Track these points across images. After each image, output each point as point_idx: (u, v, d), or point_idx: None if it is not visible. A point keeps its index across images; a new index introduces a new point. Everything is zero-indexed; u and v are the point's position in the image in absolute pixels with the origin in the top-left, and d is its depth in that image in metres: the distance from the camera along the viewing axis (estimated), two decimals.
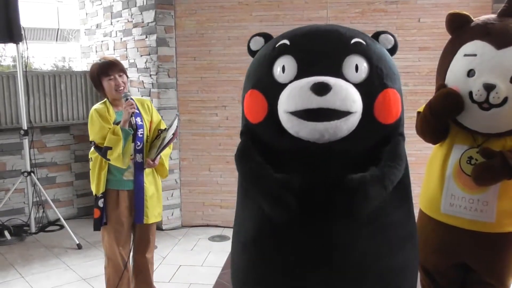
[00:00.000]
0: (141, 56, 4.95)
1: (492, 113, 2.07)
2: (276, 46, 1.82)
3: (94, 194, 2.88)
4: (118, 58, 5.26)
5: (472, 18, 2.25)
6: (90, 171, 2.88)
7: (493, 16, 2.25)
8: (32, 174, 4.73)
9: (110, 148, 2.69)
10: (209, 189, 5.00)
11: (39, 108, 4.98)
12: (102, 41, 5.65)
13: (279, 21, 4.68)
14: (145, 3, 4.81)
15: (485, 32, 2.13)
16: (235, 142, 5.33)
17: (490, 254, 2.24)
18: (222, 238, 4.70)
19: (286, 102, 1.70)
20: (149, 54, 4.82)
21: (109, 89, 2.84)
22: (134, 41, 5.05)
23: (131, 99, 2.84)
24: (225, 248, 4.38)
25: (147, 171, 2.93)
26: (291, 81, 1.74)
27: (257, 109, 1.82)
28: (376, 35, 1.92)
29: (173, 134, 2.81)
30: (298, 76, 1.73)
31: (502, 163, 2.08)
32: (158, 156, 2.89)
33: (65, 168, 5.35)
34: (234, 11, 4.75)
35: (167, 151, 2.97)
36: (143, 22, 4.88)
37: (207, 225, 5.03)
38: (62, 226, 4.79)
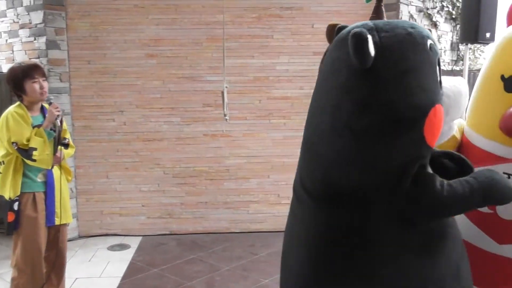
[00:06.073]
0: (30, 59, 4.66)
1: None
2: (430, 48, 1.61)
3: (8, 197, 2.77)
4: (4, 61, 4.98)
5: None
6: (1, 174, 2.80)
7: None
8: None
9: (35, 149, 2.71)
10: (107, 197, 4.85)
11: None
12: None
13: (176, 24, 4.66)
14: (32, 3, 4.56)
15: None
16: (133, 148, 5.20)
17: None
18: (122, 246, 4.57)
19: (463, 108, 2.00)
20: (39, 57, 4.58)
21: (32, 92, 2.81)
22: (21, 43, 4.77)
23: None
24: (124, 257, 4.28)
25: (59, 172, 2.95)
26: None
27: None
28: None
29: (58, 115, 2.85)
30: None
31: None
32: (60, 151, 2.90)
33: None
34: (130, 14, 4.65)
35: (70, 150, 3.02)
36: (30, 23, 4.62)
37: (106, 234, 4.87)
38: None
